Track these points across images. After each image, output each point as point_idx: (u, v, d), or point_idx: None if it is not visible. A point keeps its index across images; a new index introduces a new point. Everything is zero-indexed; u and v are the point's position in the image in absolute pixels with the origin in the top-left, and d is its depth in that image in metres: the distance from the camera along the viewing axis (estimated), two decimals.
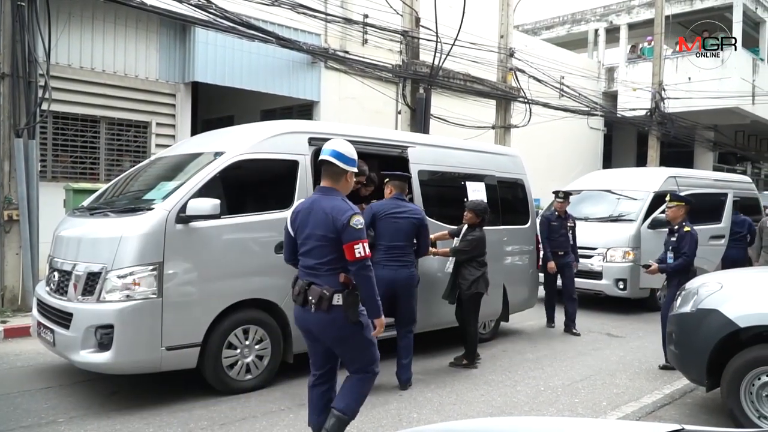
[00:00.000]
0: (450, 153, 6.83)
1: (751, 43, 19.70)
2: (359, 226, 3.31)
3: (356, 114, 12.33)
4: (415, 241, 5.35)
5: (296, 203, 3.78)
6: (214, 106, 13.56)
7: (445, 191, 6.82)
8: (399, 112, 12.25)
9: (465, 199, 6.49)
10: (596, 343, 7.27)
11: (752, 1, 19.66)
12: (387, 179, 5.55)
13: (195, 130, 10.57)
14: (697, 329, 4.50)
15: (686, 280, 5.35)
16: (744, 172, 21.56)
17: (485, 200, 6.42)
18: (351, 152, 3.52)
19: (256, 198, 5.38)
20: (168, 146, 9.19)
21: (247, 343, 5.00)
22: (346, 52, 12.06)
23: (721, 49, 17.85)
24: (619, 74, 20.37)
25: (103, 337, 4.44)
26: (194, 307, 4.69)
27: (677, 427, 1.51)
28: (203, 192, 4.76)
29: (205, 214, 4.66)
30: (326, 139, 5.57)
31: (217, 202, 4.68)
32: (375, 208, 5.35)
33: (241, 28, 9.66)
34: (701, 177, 11.40)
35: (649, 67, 18.10)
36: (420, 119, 10.78)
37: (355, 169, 3.55)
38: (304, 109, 12.55)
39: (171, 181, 5.09)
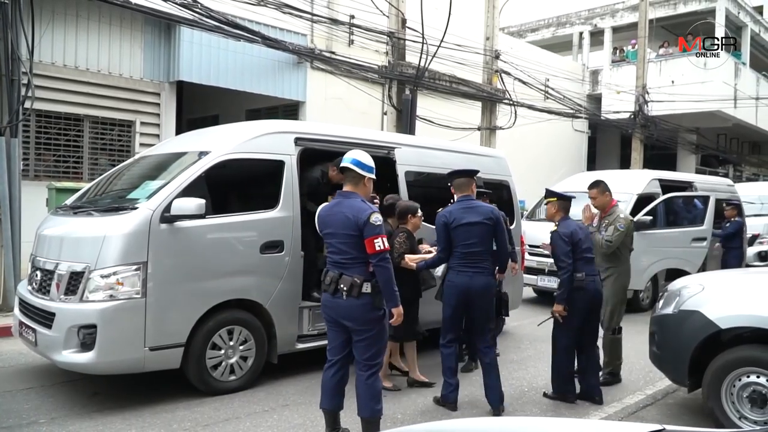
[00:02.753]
0: (436, 154, 6.85)
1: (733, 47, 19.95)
2: (378, 223, 3.69)
3: (342, 114, 12.32)
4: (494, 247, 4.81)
5: (322, 206, 4.01)
6: (199, 106, 13.48)
7: (431, 192, 6.83)
8: (385, 113, 12.26)
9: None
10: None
11: (735, 5, 19.94)
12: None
13: (180, 130, 10.49)
14: (678, 330, 4.55)
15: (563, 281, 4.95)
16: (726, 175, 21.81)
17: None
18: (368, 161, 3.92)
19: (241, 198, 5.39)
20: (152, 145, 9.12)
21: (231, 343, 4.98)
22: (332, 53, 12.05)
23: (708, 54, 18.13)
24: (604, 77, 20.55)
25: (86, 337, 4.40)
26: (178, 307, 4.67)
27: (659, 427, 1.53)
28: (188, 191, 4.73)
29: (189, 214, 4.64)
30: (312, 140, 5.75)
31: (202, 201, 4.66)
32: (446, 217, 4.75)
33: (226, 27, 9.62)
34: (684, 179, 11.52)
35: (632, 70, 18.28)
36: (406, 120, 10.79)
37: (373, 176, 3.91)
38: (289, 110, 12.51)
39: (155, 181, 5.07)
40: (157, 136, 10.37)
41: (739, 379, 4.23)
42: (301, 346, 5.47)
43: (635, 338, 7.52)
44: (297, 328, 5.44)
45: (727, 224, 10.39)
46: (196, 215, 4.67)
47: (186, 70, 10.49)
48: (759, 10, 22.71)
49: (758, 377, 4.14)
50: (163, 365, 4.67)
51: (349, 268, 3.76)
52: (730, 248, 10.31)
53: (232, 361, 4.99)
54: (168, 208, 4.61)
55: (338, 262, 3.81)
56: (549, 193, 5.34)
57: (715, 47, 18.23)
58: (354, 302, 3.74)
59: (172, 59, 10.50)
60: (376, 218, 3.70)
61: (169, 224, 4.63)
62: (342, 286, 3.75)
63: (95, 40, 9.77)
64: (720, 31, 18.62)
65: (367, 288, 3.73)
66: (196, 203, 4.63)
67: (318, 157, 5.91)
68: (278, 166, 5.33)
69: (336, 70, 12.12)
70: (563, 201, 5.22)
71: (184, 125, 11.92)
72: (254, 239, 5.10)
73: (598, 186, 5.69)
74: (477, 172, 5.07)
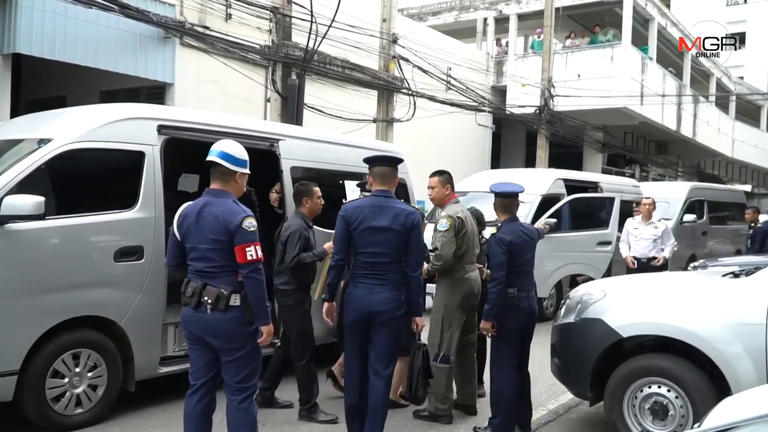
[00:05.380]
0: (326, 148, 6.88)
1: (640, 41, 21.43)
2: (251, 229, 3.64)
3: (218, 100, 12.03)
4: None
5: (184, 206, 3.86)
6: (42, 85, 12.68)
7: (322, 192, 6.84)
8: (268, 100, 12.12)
9: (344, 200, 6.54)
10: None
11: None
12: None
13: (16, 112, 9.84)
14: (580, 340, 4.83)
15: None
16: (632, 176, 23.36)
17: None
18: (240, 153, 3.82)
19: (92, 195, 5.20)
20: None
21: (78, 370, 4.78)
22: (206, 28, 11.73)
23: (614, 46, 19.37)
24: (509, 68, 21.40)
25: None
26: (10, 326, 4.42)
27: None
28: (23, 187, 4.51)
29: (25, 214, 4.41)
30: (180, 128, 5.62)
31: (41, 199, 4.43)
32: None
33: None
34: (590, 180, 12.23)
35: (538, 62, 19.16)
36: (292, 109, 10.73)
37: (246, 170, 3.83)
38: (154, 92, 12.05)
39: None
40: None
41: (641, 390, 4.55)
42: (165, 369, 5.33)
43: (537, 349, 7.86)
44: (160, 349, 5.29)
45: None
46: (33, 216, 4.44)
47: (25, 40, 9.85)
48: (666, 2, 24.59)
49: (659, 387, 4.47)
50: None
51: (215, 278, 3.68)
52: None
53: (79, 390, 4.79)
54: None
55: (202, 271, 3.72)
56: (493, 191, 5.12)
57: (620, 41, 19.55)
58: (220, 317, 3.66)
59: (7, 27, 9.82)
60: (250, 223, 3.64)
61: None
62: (206, 298, 3.66)
63: None
64: (627, 23, 19.92)
65: (235, 300, 3.66)
66: (33, 201, 4.40)
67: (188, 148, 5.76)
68: (137, 158, 5.17)
69: (211, 48, 11.82)
70: (503, 199, 5.06)
71: (21, 107, 11.17)
72: (107, 245, 4.93)
73: (441, 176, 5.44)
74: (401, 161, 4.79)
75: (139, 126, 5.27)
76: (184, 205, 3.89)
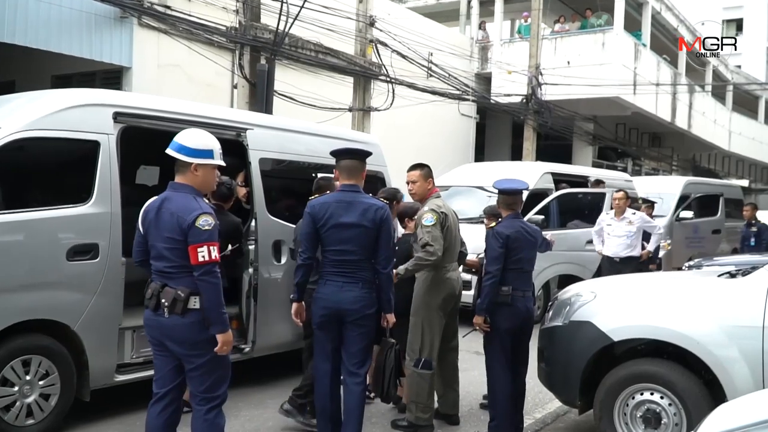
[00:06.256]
0: (298, 138, 6.89)
1: (633, 26, 21.61)
2: (206, 227, 3.59)
3: (181, 86, 11.95)
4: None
5: (150, 200, 3.85)
6: None
7: (293, 185, 6.85)
8: (235, 86, 12.04)
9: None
10: (464, 362, 7.59)
11: None
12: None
13: None
14: (568, 344, 4.87)
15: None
16: (624, 170, 23.58)
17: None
18: (199, 142, 3.77)
19: (42, 189, 5.17)
20: None
21: (29, 378, 4.74)
22: (167, 7, 11.62)
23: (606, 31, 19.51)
24: (494, 54, 21.47)
25: None
26: None
27: None
28: None
29: None
30: (138, 116, 5.59)
31: None
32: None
33: None
34: (579, 174, 12.34)
35: (525, 48, 19.23)
36: (261, 96, 10.67)
37: (205, 161, 3.74)
38: (110, 77, 11.93)
39: None
40: None
41: (633, 397, 4.61)
42: (122, 377, 5.30)
43: None
44: (116, 356, 5.25)
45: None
46: None
47: None
48: None
49: (652, 394, 4.53)
50: None
51: (174, 279, 3.67)
52: None
53: (30, 400, 4.75)
54: None
55: (161, 271, 3.72)
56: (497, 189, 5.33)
57: (613, 26, 19.70)
58: (178, 321, 3.64)
59: None
60: (205, 221, 3.60)
61: None
62: (163, 300, 3.64)
63: None
64: (620, 7, 20.07)
65: (194, 303, 3.63)
66: None
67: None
68: (92, 148, 5.12)
69: (172, 29, 11.72)
70: (505, 196, 5.23)
71: None
72: (59, 242, 4.89)
73: (423, 169, 5.49)
74: (369, 154, 4.86)
75: (94, 113, 5.21)
76: (150, 200, 3.89)
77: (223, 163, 3.86)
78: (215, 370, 3.76)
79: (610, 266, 8.98)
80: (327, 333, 4.53)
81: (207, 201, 3.90)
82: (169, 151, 3.75)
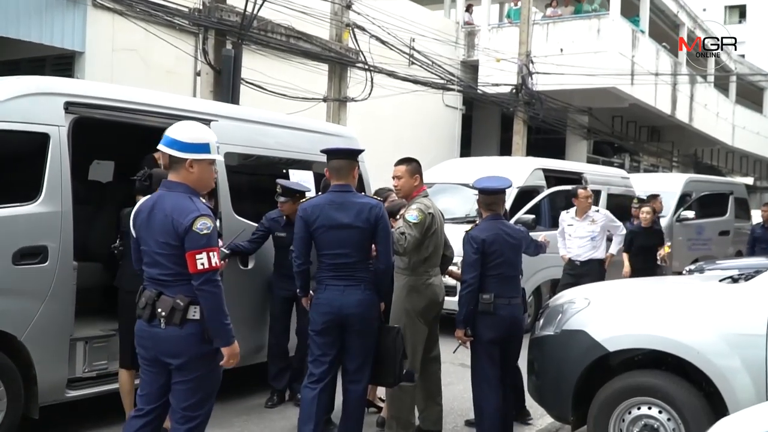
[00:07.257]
0: (268, 131, 6.89)
1: (631, 11, 21.75)
2: (205, 231, 3.55)
3: (138, 72, 11.87)
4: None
5: (142, 200, 3.88)
6: None
7: (262, 181, 6.82)
8: (198, 74, 12.00)
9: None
10: (448, 376, 7.63)
11: None
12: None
13: None
14: (560, 355, 4.89)
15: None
16: (621, 165, 23.75)
17: (313, 192, 6.49)
18: (193, 135, 3.73)
19: None
20: None
21: None
22: None
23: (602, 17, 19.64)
24: (481, 40, 21.51)
25: None
26: None
27: None
28: None
29: None
30: (91, 105, 5.54)
31: None
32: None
33: None
34: (573, 170, 12.40)
35: (515, 33, 19.27)
36: (227, 84, 10.62)
37: (201, 156, 3.70)
38: (61, 63, 11.84)
39: None
40: None
41: (629, 412, 4.64)
42: (73, 393, 5.25)
43: None
44: (67, 369, 5.21)
45: None
46: None
47: None
48: None
49: (650, 408, 4.56)
50: None
51: (170, 287, 3.63)
52: None
53: None
54: None
55: (156, 279, 3.68)
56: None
57: (608, 11, 19.82)
58: (175, 332, 3.60)
59: None
60: (203, 224, 3.56)
61: None
62: (160, 309, 3.60)
63: None
64: None
65: (194, 313, 3.60)
66: None
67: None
68: (40, 140, 5.08)
69: (128, 10, 11.64)
70: (485, 195, 5.27)
71: None
72: (4, 244, 4.83)
73: (409, 164, 5.52)
74: (361, 151, 5.13)
75: (43, 103, 5.18)
76: (141, 200, 3.90)
77: (221, 158, 3.88)
78: (203, 388, 3.73)
79: (570, 269, 8.94)
80: (328, 340, 4.70)
81: (204, 201, 3.85)
82: (160, 146, 3.72)
